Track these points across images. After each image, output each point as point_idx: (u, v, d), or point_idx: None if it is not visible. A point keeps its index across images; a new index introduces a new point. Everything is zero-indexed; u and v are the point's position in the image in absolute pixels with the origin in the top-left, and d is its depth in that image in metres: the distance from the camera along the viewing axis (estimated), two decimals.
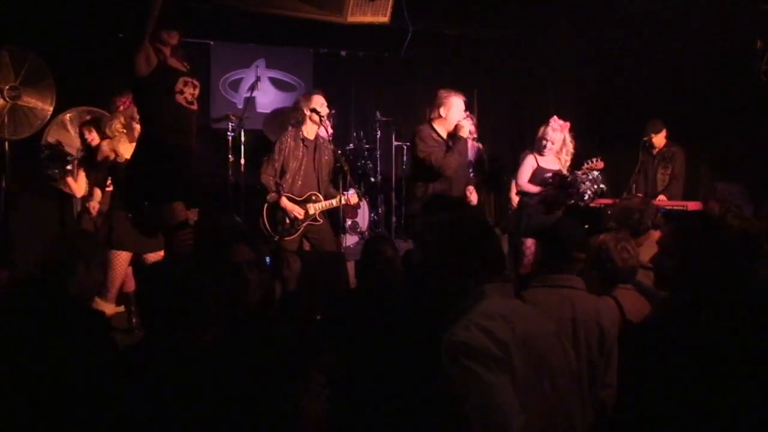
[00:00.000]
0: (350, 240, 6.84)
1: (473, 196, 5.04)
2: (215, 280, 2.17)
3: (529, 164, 5.21)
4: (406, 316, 2.70)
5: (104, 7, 6.38)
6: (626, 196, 5.73)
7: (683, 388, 1.87)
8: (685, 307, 1.99)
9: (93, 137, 5.48)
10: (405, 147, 7.73)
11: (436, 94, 4.84)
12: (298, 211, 5.08)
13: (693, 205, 5.49)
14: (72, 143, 6.07)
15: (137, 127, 4.49)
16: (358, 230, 7.11)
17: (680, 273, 2.06)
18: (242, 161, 6.63)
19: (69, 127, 6.02)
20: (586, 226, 3.19)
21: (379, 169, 7.33)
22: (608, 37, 7.00)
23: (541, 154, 5.19)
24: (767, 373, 1.82)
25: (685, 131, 6.27)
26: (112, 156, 4.95)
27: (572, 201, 4.98)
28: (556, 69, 7.88)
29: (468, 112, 6.61)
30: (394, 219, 7.28)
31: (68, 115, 6.02)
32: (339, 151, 5.50)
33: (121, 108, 5.17)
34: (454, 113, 4.75)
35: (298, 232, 5.11)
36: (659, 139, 6.22)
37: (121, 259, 4.68)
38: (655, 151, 6.25)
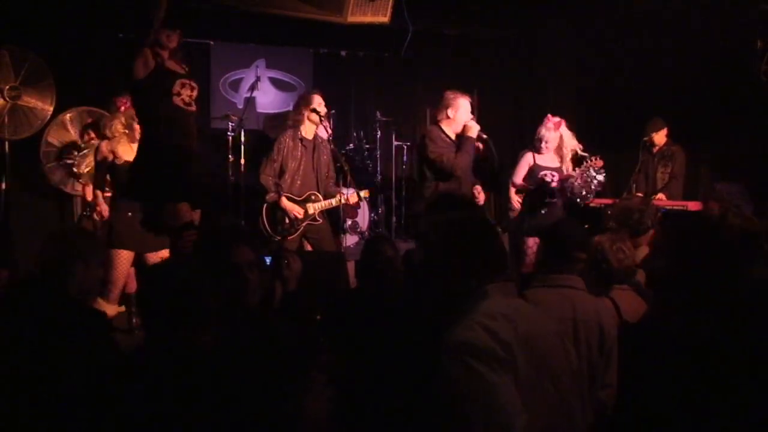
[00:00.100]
0: (350, 240, 6.84)
1: (481, 196, 5.09)
2: (215, 281, 2.17)
3: (525, 162, 5.22)
4: (406, 316, 2.70)
5: (104, 7, 6.39)
6: (626, 196, 5.74)
7: (678, 388, 1.87)
8: (680, 307, 1.99)
9: (92, 138, 5.49)
10: (405, 147, 7.74)
11: (443, 96, 4.88)
12: (297, 211, 5.08)
13: (693, 205, 5.49)
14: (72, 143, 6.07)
15: (138, 127, 4.49)
16: (358, 230, 7.11)
17: (672, 273, 2.06)
18: (242, 161, 6.63)
19: (69, 127, 6.02)
20: (587, 226, 3.19)
21: (379, 169, 7.33)
22: (608, 37, 7.00)
23: (539, 152, 5.19)
24: (764, 372, 1.82)
25: (685, 131, 6.27)
26: (111, 157, 4.95)
27: (564, 199, 5.00)
28: (556, 69, 7.88)
29: None
30: (394, 219, 7.28)
31: (68, 115, 6.01)
32: (340, 151, 5.50)
33: (122, 108, 5.17)
34: (461, 114, 4.80)
35: (298, 232, 5.11)
36: (659, 138, 6.22)
37: (123, 258, 4.68)
38: (655, 150, 6.25)
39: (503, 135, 8.13)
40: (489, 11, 7.49)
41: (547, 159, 5.18)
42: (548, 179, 5.01)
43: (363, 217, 7.14)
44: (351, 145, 7.37)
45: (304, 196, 5.15)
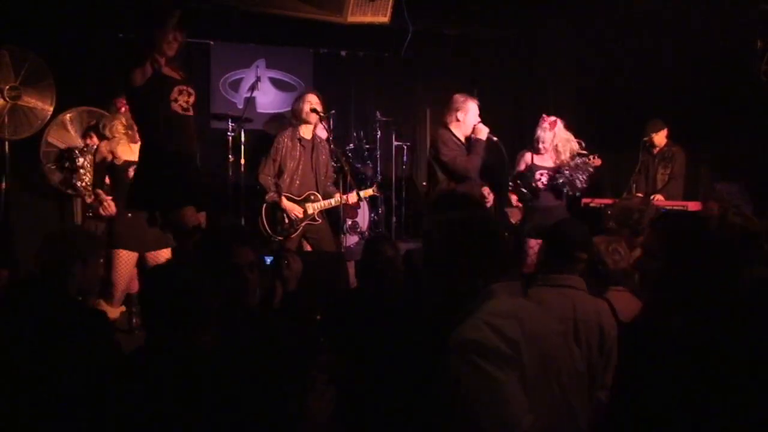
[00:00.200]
0: (350, 240, 6.84)
1: (491, 197, 5.15)
2: (215, 281, 2.17)
3: (522, 162, 5.25)
4: (406, 316, 2.70)
5: (104, 7, 6.39)
6: (626, 196, 5.75)
7: (675, 388, 1.87)
8: (675, 307, 1.99)
9: (94, 142, 5.49)
10: (405, 147, 7.74)
11: (452, 99, 4.99)
12: (296, 211, 5.09)
13: (693, 205, 5.49)
14: (72, 143, 6.06)
15: None
16: (358, 230, 7.10)
17: (665, 275, 2.05)
18: (242, 161, 6.63)
19: (69, 127, 6.01)
20: (587, 226, 3.19)
21: (379, 169, 7.33)
22: (608, 37, 7.00)
23: (537, 153, 5.21)
24: (763, 373, 1.82)
25: (685, 131, 6.27)
26: (110, 157, 4.96)
27: (566, 190, 5.03)
28: (556, 69, 7.87)
29: None
30: (394, 219, 7.28)
31: (68, 115, 6.01)
32: (339, 151, 5.51)
33: (123, 109, 5.17)
34: (470, 117, 4.91)
35: (297, 232, 5.11)
36: (659, 139, 6.22)
37: (123, 259, 4.68)
38: (655, 151, 6.25)
39: (503, 135, 8.10)
40: (489, 11, 7.48)
41: (545, 159, 5.19)
42: (537, 178, 5.08)
43: (363, 217, 7.13)
44: (351, 145, 7.37)
45: (303, 196, 5.15)
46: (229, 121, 6.66)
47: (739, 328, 1.91)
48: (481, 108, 5.07)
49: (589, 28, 7.15)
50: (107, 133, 4.99)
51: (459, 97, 4.98)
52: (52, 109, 5.86)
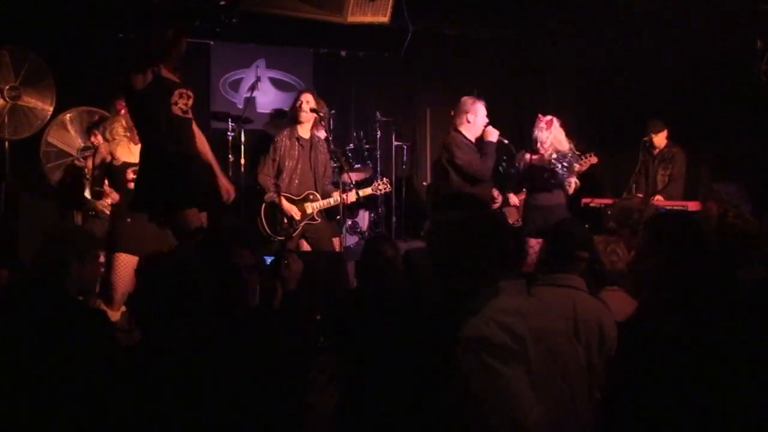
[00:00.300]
0: (350, 240, 6.84)
1: (500, 198, 5.21)
2: (214, 281, 2.17)
3: (522, 163, 5.26)
4: (406, 316, 2.70)
5: (104, 7, 6.39)
6: (626, 196, 5.75)
7: (668, 388, 1.87)
8: (670, 307, 1.99)
9: (99, 141, 5.48)
10: (405, 147, 7.74)
11: (461, 102, 5.04)
12: (295, 211, 5.09)
13: (693, 206, 5.50)
14: (72, 143, 6.07)
15: None
16: (358, 230, 7.10)
17: (659, 274, 2.06)
18: (242, 161, 6.63)
19: (69, 127, 6.02)
20: (587, 226, 3.20)
21: (379, 169, 7.33)
22: (608, 37, 7.00)
23: (536, 153, 5.23)
24: (762, 373, 1.82)
25: (685, 131, 6.27)
26: (109, 158, 4.96)
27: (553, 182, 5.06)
28: (556, 69, 7.88)
29: None
30: (394, 219, 7.28)
31: (68, 115, 6.01)
32: (339, 151, 5.51)
33: (122, 111, 5.16)
34: (480, 118, 4.97)
35: (297, 232, 5.11)
36: (660, 140, 6.22)
37: (124, 262, 4.68)
38: (655, 152, 6.25)
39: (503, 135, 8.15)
40: (489, 11, 7.48)
41: (544, 159, 5.19)
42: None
43: (363, 217, 7.13)
44: (351, 145, 7.37)
45: (302, 196, 5.15)
46: (229, 121, 6.65)
47: (737, 328, 1.91)
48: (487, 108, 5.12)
49: (589, 28, 7.15)
50: (107, 135, 4.99)
51: (468, 100, 5.03)
52: (52, 109, 5.86)
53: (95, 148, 5.45)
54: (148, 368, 1.91)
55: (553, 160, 4.95)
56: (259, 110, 7.52)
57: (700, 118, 6.27)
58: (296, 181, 5.15)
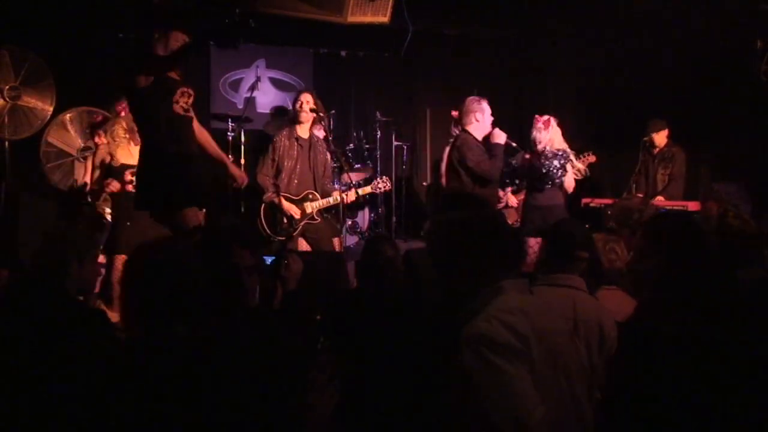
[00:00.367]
0: (350, 240, 6.84)
1: (505, 199, 5.25)
2: (213, 281, 2.17)
3: (518, 160, 5.29)
4: (406, 316, 2.70)
5: (104, 7, 6.39)
6: (626, 196, 5.75)
7: (667, 389, 1.87)
8: (665, 307, 1.99)
9: (102, 141, 5.49)
10: (405, 147, 7.74)
11: (467, 102, 5.06)
12: (295, 211, 5.09)
13: (693, 206, 5.50)
14: (72, 143, 6.07)
15: None
16: (358, 230, 7.10)
17: (657, 274, 2.06)
18: (242, 161, 6.63)
19: (69, 127, 6.02)
20: (587, 226, 3.20)
21: (379, 169, 7.33)
22: (608, 37, 7.00)
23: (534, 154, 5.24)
24: (762, 373, 1.82)
25: (685, 131, 6.27)
26: (108, 159, 4.97)
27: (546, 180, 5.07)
28: (556, 69, 7.88)
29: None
30: (394, 219, 7.28)
31: (68, 115, 6.01)
32: (339, 151, 5.52)
33: (123, 113, 5.17)
34: (487, 117, 5.01)
35: (296, 231, 5.11)
36: (660, 138, 6.21)
37: (122, 264, 4.68)
38: (655, 151, 6.25)
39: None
40: (489, 11, 7.48)
41: None
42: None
43: (363, 217, 7.13)
44: (351, 145, 7.37)
45: (301, 195, 5.15)
46: (229, 121, 6.66)
47: (736, 328, 1.91)
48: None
49: (589, 28, 7.15)
50: (108, 137, 5.00)
51: (473, 99, 5.07)
52: (52, 109, 5.86)
53: (96, 148, 5.46)
54: (148, 368, 1.91)
55: (544, 159, 4.96)
56: (259, 110, 7.53)
57: (700, 118, 6.27)
58: (295, 181, 5.15)
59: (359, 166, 7.18)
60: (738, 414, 1.81)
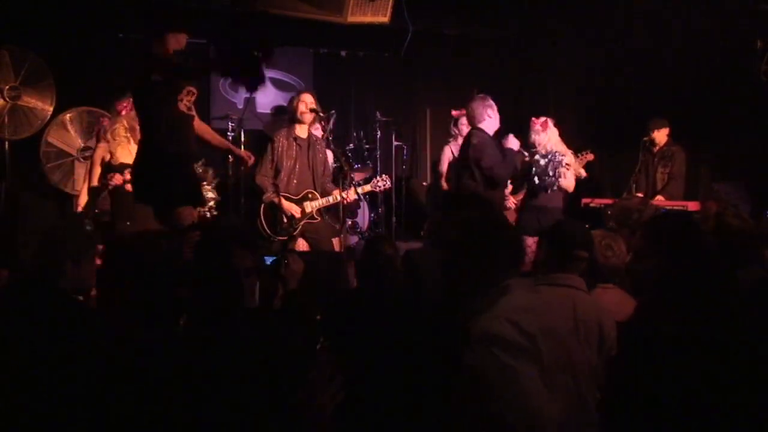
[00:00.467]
0: (350, 240, 6.83)
1: (510, 200, 5.27)
2: (212, 281, 2.18)
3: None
4: (406, 316, 2.70)
5: (104, 7, 6.39)
6: (626, 196, 5.74)
7: (668, 389, 1.88)
8: (666, 307, 1.99)
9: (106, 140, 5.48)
10: (405, 147, 7.75)
11: (478, 99, 5.09)
12: (295, 210, 5.08)
13: (693, 205, 5.50)
14: (72, 143, 6.07)
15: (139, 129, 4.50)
16: (358, 230, 7.10)
17: (658, 276, 2.06)
18: (243, 167, 6.62)
19: (69, 127, 6.02)
20: (587, 226, 3.19)
21: (379, 169, 7.34)
22: (608, 37, 7.00)
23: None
24: (762, 373, 1.82)
25: (685, 131, 6.27)
26: (108, 157, 4.97)
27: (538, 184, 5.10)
28: (556, 69, 7.88)
29: (465, 111, 6.65)
30: (394, 219, 7.28)
31: (68, 115, 6.02)
32: (339, 151, 5.52)
33: (123, 112, 5.16)
34: (497, 114, 5.04)
35: (297, 231, 5.11)
36: (660, 136, 6.21)
37: None
38: (655, 150, 6.25)
39: (503, 135, 8.15)
40: (489, 11, 7.49)
41: None
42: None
43: (363, 217, 7.14)
44: (351, 145, 7.38)
45: (301, 195, 5.14)
46: (229, 121, 6.65)
47: (736, 328, 1.91)
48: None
49: (589, 28, 7.16)
50: (108, 136, 5.00)
51: (480, 98, 5.09)
52: (52, 109, 5.87)
53: (95, 147, 5.46)
54: (147, 368, 1.91)
55: (534, 163, 4.99)
56: (259, 110, 7.53)
57: (700, 118, 6.28)
58: (294, 181, 5.15)
59: (359, 166, 7.18)
60: (738, 414, 1.81)
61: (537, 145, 5.15)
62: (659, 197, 5.94)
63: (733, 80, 5.95)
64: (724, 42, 5.97)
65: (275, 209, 5.10)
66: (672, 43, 6.45)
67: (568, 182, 5.17)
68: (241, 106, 7.33)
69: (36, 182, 6.12)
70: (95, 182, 5.21)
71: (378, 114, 7.48)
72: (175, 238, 3.65)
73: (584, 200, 5.80)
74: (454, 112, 6.75)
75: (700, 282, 1.98)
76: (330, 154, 5.65)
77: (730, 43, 5.92)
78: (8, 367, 2.17)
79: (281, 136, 5.15)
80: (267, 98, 7.70)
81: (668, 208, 5.46)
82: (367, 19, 6.46)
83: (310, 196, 5.16)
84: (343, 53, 7.99)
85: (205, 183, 5.28)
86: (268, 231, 5.10)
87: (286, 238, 5.06)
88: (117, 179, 4.96)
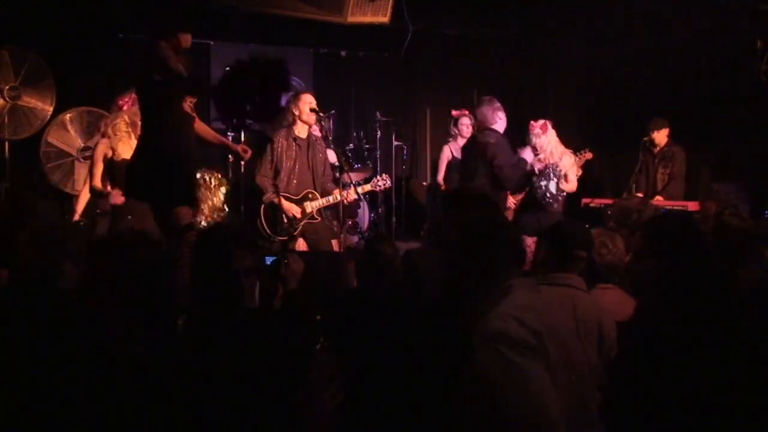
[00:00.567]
0: (350, 240, 6.83)
1: (510, 200, 5.32)
2: (211, 282, 2.18)
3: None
4: (406, 316, 2.70)
5: (104, 7, 6.40)
6: (626, 196, 5.75)
7: (668, 389, 1.88)
8: (666, 307, 1.99)
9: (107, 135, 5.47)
10: (405, 147, 7.75)
11: (489, 101, 5.14)
12: (295, 210, 5.08)
13: (693, 206, 5.50)
14: (72, 143, 6.07)
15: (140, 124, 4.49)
16: (358, 230, 7.10)
17: (657, 276, 2.06)
18: (242, 161, 6.62)
19: (69, 127, 6.02)
20: (587, 226, 3.20)
21: (378, 169, 7.34)
22: (608, 37, 7.00)
23: (539, 160, 5.28)
24: (762, 372, 1.82)
25: (685, 131, 6.27)
26: (110, 154, 4.96)
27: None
28: (556, 69, 7.88)
29: (467, 111, 6.66)
30: (394, 219, 7.28)
31: (68, 115, 6.01)
32: (339, 150, 5.52)
33: (125, 107, 5.16)
34: (504, 113, 5.09)
35: (297, 231, 5.11)
36: (660, 137, 6.21)
37: None
38: (655, 150, 6.25)
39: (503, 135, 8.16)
40: (489, 11, 7.49)
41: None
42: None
43: (363, 217, 7.13)
44: (351, 145, 7.37)
45: (301, 195, 5.14)
46: None
47: (736, 328, 1.91)
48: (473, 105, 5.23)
49: (589, 28, 7.16)
50: (109, 131, 4.99)
51: (490, 99, 5.14)
52: (52, 109, 5.86)
53: (97, 144, 5.45)
54: (147, 368, 1.91)
55: (538, 185, 5.04)
56: None
57: (700, 119, 6.28)
58: (294, 181, 5.15)
59: (359, 166, 7.18)
60: (738, 414, 1.81)
61: (539, 148, 5.17)
62: (659, 197, 5.94)
63: (733, 80, 5.95)
64: (724, 42, 5.97)
65: (275, 209, 5.10)
66: (672, 43, 6.45)
67: (570, 185, 5.19)
68: None
69: (36, 182, 6.12)
70: (97, 180, 5.19)
71: (378, 114, 7.48)
72: (172, 237, 3.66)
73: (584, 200, 5.80)
74: (454, 112, 6.76)
75: (700, 282, 1.99)
76: (331, 154, 5.65)
77: (730, 43, 5.92)
78: (8, 367, 2.17)
79: (281, 137, 5.15)
80: None
81: (668, 208, 5.47)
82: (367, 19, 6.47)
83: (310, 196, 5.16)
84: (343, 53, 7.98)
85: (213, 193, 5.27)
86: (268, 231, 5.10)
87: (286, 238, 5.06)
88: (117, 198, 4.95)
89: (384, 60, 8.03)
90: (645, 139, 6.21)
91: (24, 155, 5.98)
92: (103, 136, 5.35)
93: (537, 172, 5.16)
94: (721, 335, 1.88)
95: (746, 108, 5.89)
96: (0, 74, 5.65)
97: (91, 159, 5.38)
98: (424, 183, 7.96)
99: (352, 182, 5.31)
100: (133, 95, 5.03)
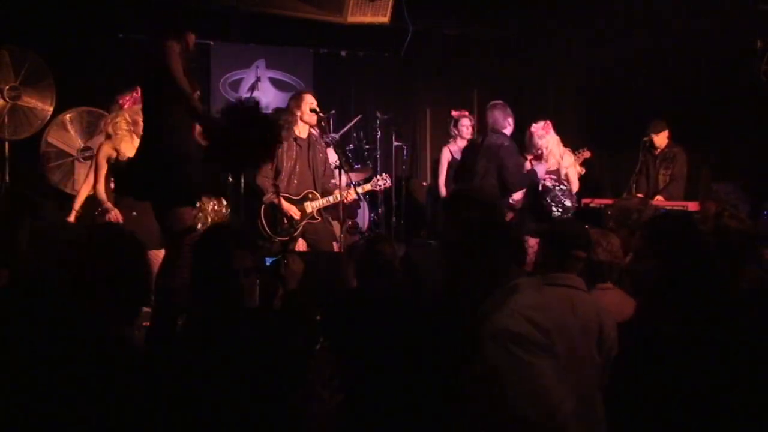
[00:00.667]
0: (350, 240, 6.83)
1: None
2: (211, 282, 2.18)
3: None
4: (406, 316, 2.70)
5: (104, 7, 6.40)
6: (626, 196, 5.74)
7: (669, 389, 1.88)
8: (666, 308, 1.99)
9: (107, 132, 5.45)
10: (405, 147, 7.74)
11: (500, 106, 5.17)
12: (295, 211, 5.08)
13: (693, 206, 5.50)
14: (72, 143, 6.06)
15: (141, 123, 4.48)
16: (358, 230, 7.10)
17: (657, 276, 2.06)
18: None
19: (69, 127, 6.01)
20: (587, 226, 3.20)
21: (378, 169, 7.33)
22: (608, 37, 7.00)
23: (538, 159, 5.28)
24: (762, 372, 1.82)
25: (685, 131, 6.27)
26: (114, 155, 4.95)
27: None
28: (556, 69, 7.88)
29: (467, 111, 6.66)
30: (394, 219, 7.28)
31: (68, 115, 6.01)
32: (339, 150, 5.52)
33: (125, 106, 5.15)
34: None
35: (297, 232, 5.11)
36: (660, 140, 6.21)
37: None
38: (656, 152, 6.25)
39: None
40: (489, 11, 7.49)
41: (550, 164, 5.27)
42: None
43: (363, 217, 7.13)
44: (351, 145, 7.37)
45: (301, 195, 5.14)
46: None
47: (736, 328, 1.91)
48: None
49: (589, 28, 7.16)
50: (110, 130, 4.98)
51: (502, 104, 5.17)
52: (52, 109, 5.86)
53: (98, 147, 5.44)
54: (147, 368, 1.91)
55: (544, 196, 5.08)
56: None
57: (700, 119, 6.27)
58: (295, 181, 5.15)
59: (359, 166, 7.18)
60: (738, 414, 1.81)
61: (543, 149, 5.20)
62: (659, 197, 5.94)
63: (733, 80, 5.95)
64: (724, 42, 5.97)
65: (275, 210, 5.10)
66: (672, 43, 6.45)
67: (571, 185, 5.21)
68: None
69: (36, 182, 6.12)
70: (101, 181, 5.18)
71: (378, 114, 7.48)
72: (174, 237, 3.66)
73: (584, 200, 5.80)
74: (454, 113, 6.75)
75: (700, 282, 1.99)
76: (332, 153, 5.65)
77: (730, 43, 5.92)
78: (8, 367, 2.17)
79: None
80: (267, 98, 7.69)
81: (668, 208, 5.47)
82: (367, 19, 6.47)
83: (310, 196, 5.16)
84: (343, 53, 7.98)
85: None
86: (268, 231, 5.10)
87: (286, 238, 5.06)
88: (114, 216, 4.94)
89: (384, 60, 8.03)
90: (645, 139, 6.21)
91: (24, 155, 5.98)
92: (105, 135, 5.35)
93: (542, 188, 5.18)
94: (721, 335, 1.88)
95: (746, 108, 5.88)
96: (0, 74, 5.65)
97: (94, 162, 5.38)
98: (424, 183, 7.96)
99: (352, 182, 5.31)
100: (135, 94, 5.04)
